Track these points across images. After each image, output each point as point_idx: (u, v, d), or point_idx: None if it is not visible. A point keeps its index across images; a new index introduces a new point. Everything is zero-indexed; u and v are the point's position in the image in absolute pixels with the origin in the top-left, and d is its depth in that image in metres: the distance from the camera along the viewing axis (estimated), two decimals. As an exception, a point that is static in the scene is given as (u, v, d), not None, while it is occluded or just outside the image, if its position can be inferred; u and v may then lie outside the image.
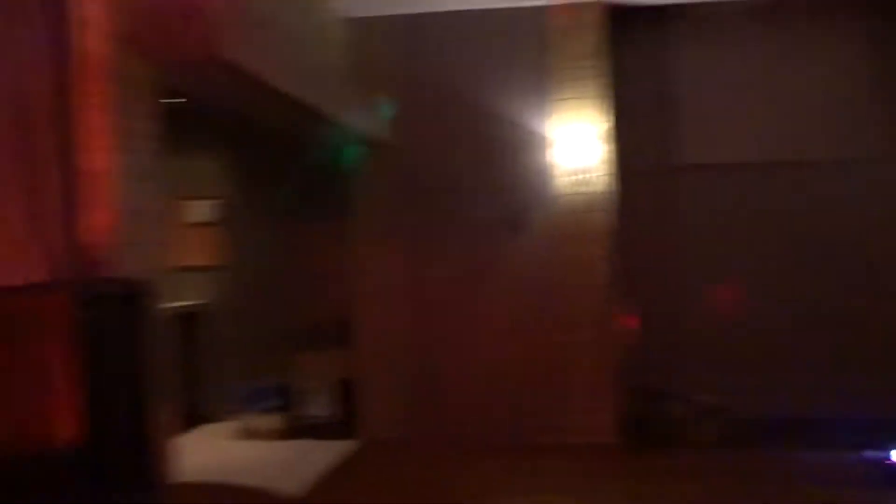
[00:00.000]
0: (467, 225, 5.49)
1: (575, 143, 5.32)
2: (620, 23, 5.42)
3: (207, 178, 6.17)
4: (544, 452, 5.08)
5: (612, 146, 5.38)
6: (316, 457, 5.15)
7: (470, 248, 5.48)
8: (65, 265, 3.09)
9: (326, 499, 4.41)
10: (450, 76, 5.50)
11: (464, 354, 5.46)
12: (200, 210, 6.11)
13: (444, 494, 4.42)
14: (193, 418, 5.79)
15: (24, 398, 2.33)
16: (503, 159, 5.43)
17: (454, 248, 5.52)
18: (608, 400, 5.27)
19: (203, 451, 5.24)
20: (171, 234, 3.73)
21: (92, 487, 2.35)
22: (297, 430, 5.65)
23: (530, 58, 5.38)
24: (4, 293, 2.30)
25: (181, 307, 5.62)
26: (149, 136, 3.44)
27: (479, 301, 5.46)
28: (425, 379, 5.52)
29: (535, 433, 5.29)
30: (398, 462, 5.14)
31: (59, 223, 3.10)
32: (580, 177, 5.34)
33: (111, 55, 3.21)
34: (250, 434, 5.68)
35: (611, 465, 4.91)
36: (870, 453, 4.47)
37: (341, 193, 5.66)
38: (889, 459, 4.31)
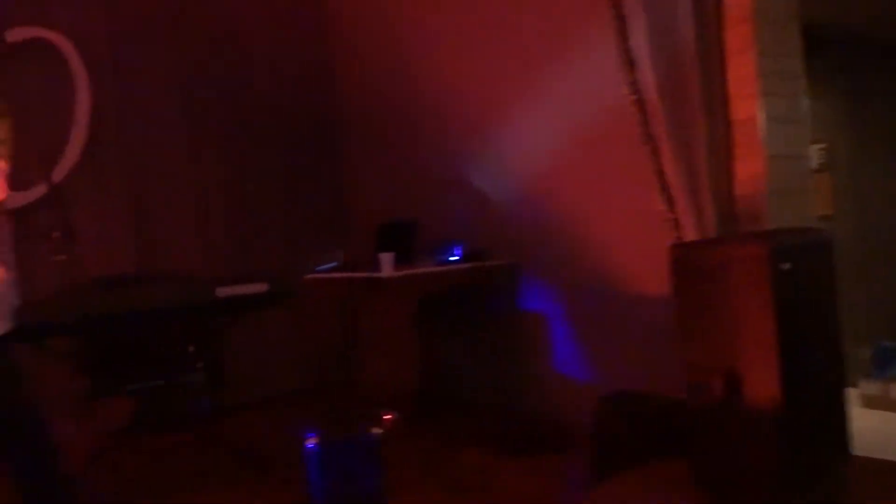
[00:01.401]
0: None
1: None
2: None
3: (816, 122, 5.67)
4: None
5: None
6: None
7: None
8: (718, 216, 3.09)
9: None
10: None
11: None
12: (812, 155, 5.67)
13: None
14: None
15: (723, 348, 2.33)
16: None
17: None
18: None
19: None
20: (812, 180, 3.43)
21: (786, 445, 2.23)
22: (942, 403, 4.80)
23: None
24: (706, 245, 2.35)
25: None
26: (793, 77, 3.19)
27: None
28: None
29: None
30: None
31: (710, 175, 3.10)
32: None
33: (751, -5, 3.05)
34: (879, 403, 5.05)
35: None
36: None
37: None
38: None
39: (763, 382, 2.20)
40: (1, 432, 2.31)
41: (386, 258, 3.71)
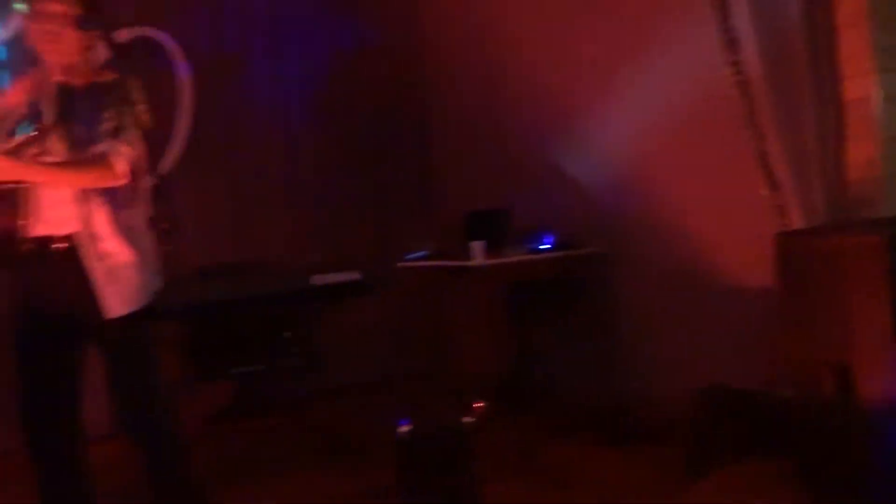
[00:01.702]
0: None
1: None
2: None
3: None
4: None
5: None
6: None
7: None
8: (827, 203, 2.92)
9: None
10: None
11: None
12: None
13: None
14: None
15: (833, 343, 2.21)
16: None
17: None
18: None
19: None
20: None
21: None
22: None
23: None
24: (815, 233, 2.22)
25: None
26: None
27: None
28: None
29: None
30: None
31: (819, 159, 2.93)
32: None
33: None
34: None
35: None
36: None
37: None
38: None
39: (878, 379, 2.07)
40: (129, 415, 2.21)
41: (477, 246, 3.70)
